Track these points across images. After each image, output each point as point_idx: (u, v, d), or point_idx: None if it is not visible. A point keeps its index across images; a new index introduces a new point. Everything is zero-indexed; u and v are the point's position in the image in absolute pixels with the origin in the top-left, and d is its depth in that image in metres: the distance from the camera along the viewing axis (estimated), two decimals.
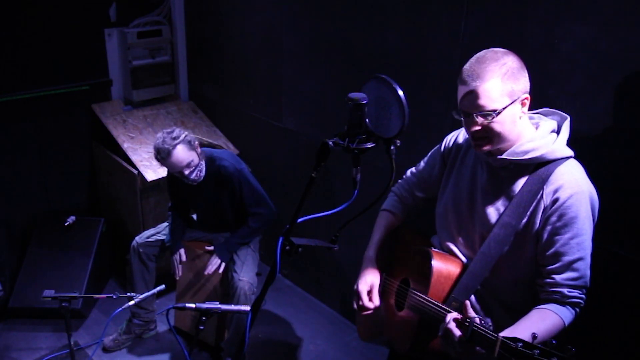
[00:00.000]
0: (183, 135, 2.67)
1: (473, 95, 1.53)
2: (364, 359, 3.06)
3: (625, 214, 1.95)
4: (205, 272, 2.86)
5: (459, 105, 1.59)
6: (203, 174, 2.77)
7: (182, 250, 2.94)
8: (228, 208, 2.90)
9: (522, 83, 1.55)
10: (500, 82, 1.52)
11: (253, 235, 2.94)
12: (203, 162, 2.77)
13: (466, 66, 1.57)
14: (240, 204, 2.87)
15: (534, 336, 1.36)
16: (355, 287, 1.94)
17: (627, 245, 1.98)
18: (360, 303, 1.90)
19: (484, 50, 1.58)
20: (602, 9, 1.87)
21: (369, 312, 1.92)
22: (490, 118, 1.53)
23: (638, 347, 2.03)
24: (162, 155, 2.66)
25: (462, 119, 1.60)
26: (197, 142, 2.75)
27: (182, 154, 2.65)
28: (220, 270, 2.86)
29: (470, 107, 1.55)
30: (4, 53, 3.22)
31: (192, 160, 2.69)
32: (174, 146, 2.63)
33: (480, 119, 1.55)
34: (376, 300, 1.91)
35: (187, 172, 2.71)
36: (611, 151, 1.95)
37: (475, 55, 1.58)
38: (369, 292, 1.91)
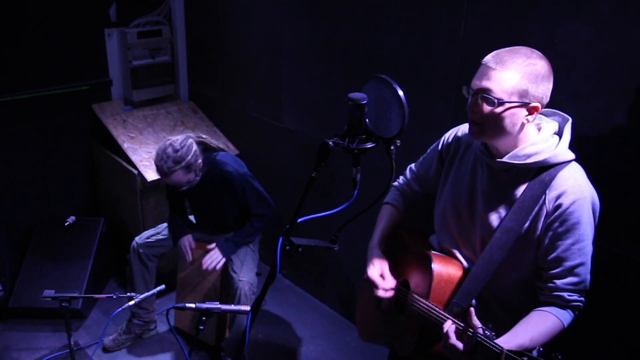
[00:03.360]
0: (186, 160, 2.63)
1: (487, 76, 1.51)
2: (364, 359, 3.06)
3: (625, 214, 1.95)
4: (204, 267, 2.83)
5: (471, 82, 1.56)
6: (196, 181, 2.78)
7: (189, 236, 2.93)
8: (229, 210, 2.90)
9: (540, 91, 1.51)
10: (519, 77, 1.49)
11: (256, 235, 2.95)
12: (200, 173, 2.77)
13: (497, 50, 1.55)
14: (243, 206, 2.87)
15: (539, 350, 1.35)
16: (365, 276, 1.89)
17: (627, 245, 1.98)
18: (378, 288, 1.85)
19: (523, 46, 1.56)
20: (602, 9, 1.87)
21: (389, 293, 1.87)
22: (492, 105, 1.50)
23: (638, 347, 2.03)
24: (160, 174, 2.71)
25: (469, 97, 1.57)
26: (199, 161, 2.71)
27: (180, 177, 2.67)
28: (218, 267, 2.84)
29: (479, 86, 1.53)
30: (4, 53, 3.22)
31: (188, 180, 2.72)
32: (174, 171, 2.64)
33: (483, 104, 1.52)
34: (391, 280, 1.87)
35: (182, 187, 2.75)
36: (611, 151, 1.95)
37: (511, 46, 1.56)
38: (382, 277, 1.87)
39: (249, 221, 2.89)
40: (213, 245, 2.89)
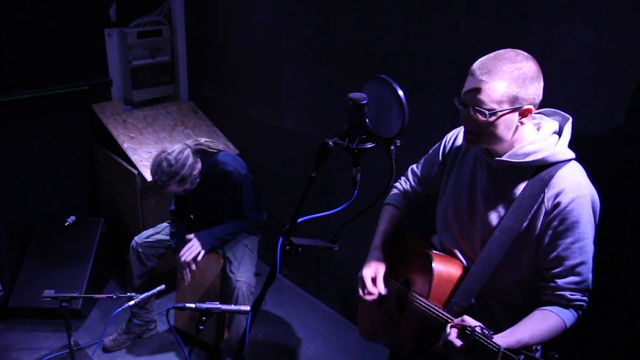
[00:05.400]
0: (180, 174, 2.64)
1: (476, 88, 1.52)
2: (364, 359, 3.06)
3: (625, 214, 1.95)
4: (182, 260, 2.75)
5: (461, 94, 1.58)
6: (192, 188, 2.78)
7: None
8: (227, 210, 2.89)
9: (531, 92, 1.52)
10: (506, 85, 1.50)
11: (238, 235, 2.92)
12: (198, 179, 2.78)
13: (482, 58, 1.55)
14: (238, 206, 2.87)
15: (535, 349, 1.35)
16: (359, 273, 1.92)
17: (627, 245, 1.98)
18: (365, 289, 1.89)
19: (507, 49, 1.56)
20: (602, 9, 1.87)
21: (372, 297, 1.89)
22: (484, 117, 1.52)
23: (638, 347, 2.03)
24: (155, 185, 2.75)
25: (461, 108, 1.59)
26: (195, 172, 2.71)
27: (174, 189, 2.71)
28: (199, 258, 2.77)
29: (469, 99, 1.54)
30: (4, 53, 3.22)
31: (184, 189, 2.74)
32: (168, 185, 2.67)
33: (476, 115, 1.54)
34: (381, 287, 1.89)
35: (178, 194, 2.80)
36: (611, 151, 1.95)
37: (496, 51, 1.56)
38: (374, 279, 1.89)
39: (236, 219, 2.90)
40: (191, 235, 2.83)
